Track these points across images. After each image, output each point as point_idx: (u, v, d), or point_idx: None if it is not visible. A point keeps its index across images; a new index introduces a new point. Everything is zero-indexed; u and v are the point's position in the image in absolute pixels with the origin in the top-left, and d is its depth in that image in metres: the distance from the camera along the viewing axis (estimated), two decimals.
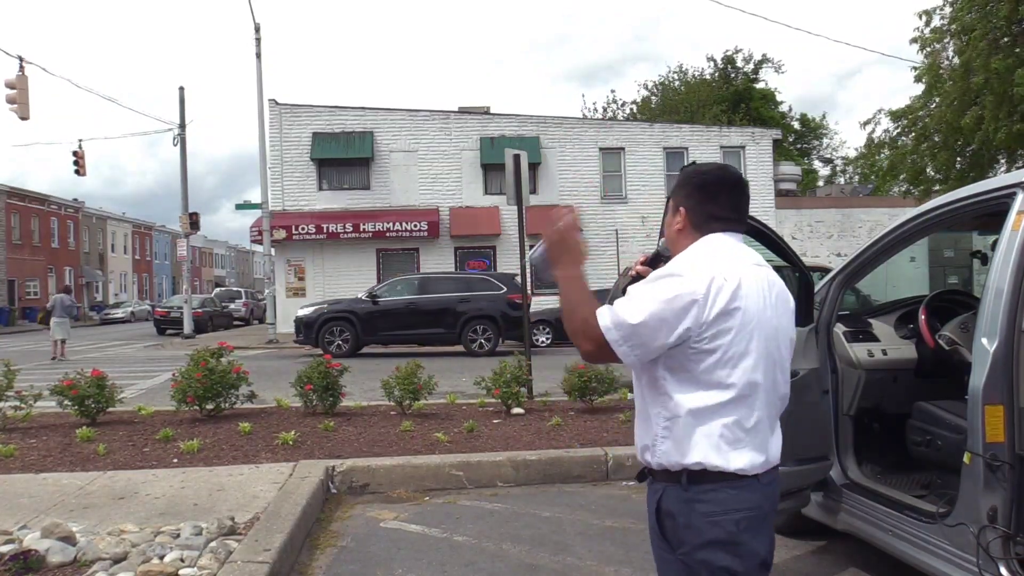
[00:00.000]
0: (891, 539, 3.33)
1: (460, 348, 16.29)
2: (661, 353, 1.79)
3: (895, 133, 21.18)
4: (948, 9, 18.73)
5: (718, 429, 1.79)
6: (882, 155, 22.22)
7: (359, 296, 17.43)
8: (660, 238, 2.15)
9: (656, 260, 2.07)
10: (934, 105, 19.69)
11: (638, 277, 2.01)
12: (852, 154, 43.15)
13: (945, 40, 19.00)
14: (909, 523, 3.21)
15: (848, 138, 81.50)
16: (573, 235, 1.90)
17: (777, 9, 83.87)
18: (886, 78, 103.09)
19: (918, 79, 19.70)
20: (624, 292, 1.89)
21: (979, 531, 2.72)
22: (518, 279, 18.53)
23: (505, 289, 16.76)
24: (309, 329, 16.25)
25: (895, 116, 20.92)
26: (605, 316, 1.78)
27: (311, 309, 17.03)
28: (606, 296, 1.98)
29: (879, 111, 22.09)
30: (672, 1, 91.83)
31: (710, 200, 1.94)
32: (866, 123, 21.95)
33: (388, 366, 7.84)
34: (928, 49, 19.23)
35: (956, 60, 18.61)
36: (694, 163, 2.15)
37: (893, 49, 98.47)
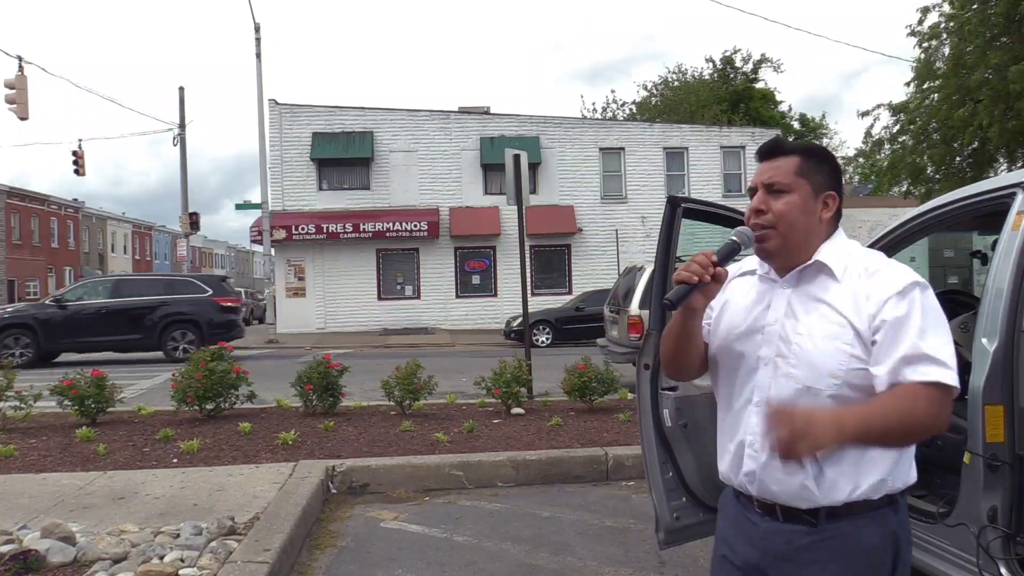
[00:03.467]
0: None
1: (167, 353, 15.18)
2: None
3: (895, 129, 21.09)
4: (947, 7, 18.72)
5: None
6: (882, 154, 22.12)
7: (45, 301, 16.36)
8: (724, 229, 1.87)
9: (731, 254, 1.70)
10: (928, 100, 19.67)
11: (687, 286, 1.63)
12: (852, 154, 43.03)
13: (942, 37, 19.00)
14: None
15: (848, 138, 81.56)
16: (813, 424, 1.42)
17: (783, 9, 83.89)
18: (892, 77, 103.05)
19: (916, 78, 19.69)
20: (683, 297, 1.61)
21: (979, 531, 2.72)
22: (229, 282, 17.49)
23: (211, 292, 15.88)
24: None
25: (895, 110, 20.79)
26: (948, 375, 1.52)
27: None
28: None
29: (879, 105, 21.68)
30: (680, 1, 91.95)
31: (841, 185, 1.75)
32: (864, 114, 21.51)
33: (388, 366, 7.85)
34: (925, 45, 19.20)
35: (948, 52, 18.60)
36: (777, 136, 1.90)
37: (899, 48, 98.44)
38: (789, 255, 1.67)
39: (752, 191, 1.74)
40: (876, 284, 1.59)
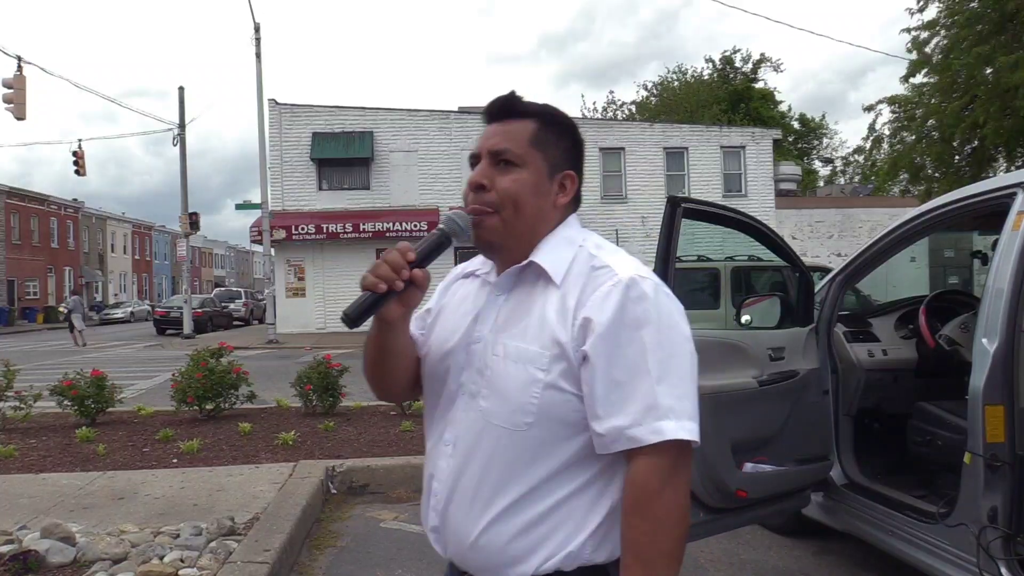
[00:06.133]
0: (891, 539, 3.33)
1: None
2: None
3: (895, 127, 21.08)
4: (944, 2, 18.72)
5: None
6: (881, 153, 22.11)
7: None
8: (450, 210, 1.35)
9: (436, 250, 1.29)
10: (926, 97, 19.68)
11: (373, 295, 1.22)
12: (852, 151, 42.95)
13: (937, 29, 18.99)
14: (909, 523, 3.21)
15: (848, 138, 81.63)
16: None
17: (785, 8, 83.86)
18: (897, 76, 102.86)
19: (913, 71, 19.69)
20: (368, 311, 1.20)
21: (979, 531, 2.72)
22: None
23: None
24: None
25: (898, 103, 20.79)
26: (683, 429, 1.16)
27: None
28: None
29: (881, 100, 21.73)
30: (683, 1, 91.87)
31: (582, 163, 1.36)
32: (868, 108, 21.59)
33: None
34: (920, 36, 19.19)
35: (944, 42, 18.60)
36: (513, 92, 1.34)
37: (902, 47, 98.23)
38: (511, 249, 1.29)
39: (474, 160, 1.31)
40: (593, 287, 1.21)
